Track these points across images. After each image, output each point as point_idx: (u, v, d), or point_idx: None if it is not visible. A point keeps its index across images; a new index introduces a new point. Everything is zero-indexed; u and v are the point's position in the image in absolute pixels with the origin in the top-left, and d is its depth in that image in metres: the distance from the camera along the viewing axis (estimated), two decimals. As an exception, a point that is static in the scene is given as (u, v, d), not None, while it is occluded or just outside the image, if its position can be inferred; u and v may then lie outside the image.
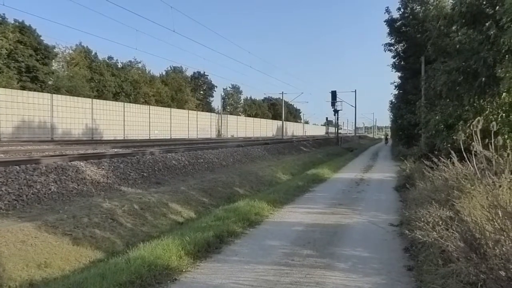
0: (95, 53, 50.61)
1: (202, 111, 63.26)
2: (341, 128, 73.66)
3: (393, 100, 36.08)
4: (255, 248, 5.99)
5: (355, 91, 55.29)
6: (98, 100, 38.27)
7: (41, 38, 40.14)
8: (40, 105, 30.51)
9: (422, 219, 4.81)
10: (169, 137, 44.58)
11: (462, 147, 5.20)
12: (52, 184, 9.48)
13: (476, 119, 4.55)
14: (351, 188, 12.85)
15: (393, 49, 27.13)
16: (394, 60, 27.95)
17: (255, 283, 4.52)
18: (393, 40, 26.72)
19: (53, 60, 43.67)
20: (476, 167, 4.56)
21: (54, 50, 43.61)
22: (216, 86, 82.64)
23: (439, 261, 4.26)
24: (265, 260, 5.36)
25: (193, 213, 10.05)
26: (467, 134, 7.30)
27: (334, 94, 46.74)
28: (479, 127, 4.48)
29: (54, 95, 32.84)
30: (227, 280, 4.62)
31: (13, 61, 36.20)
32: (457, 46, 11.30)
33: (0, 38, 34.33)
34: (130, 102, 46.05)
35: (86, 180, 10.47)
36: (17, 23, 37.86)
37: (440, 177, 6.75)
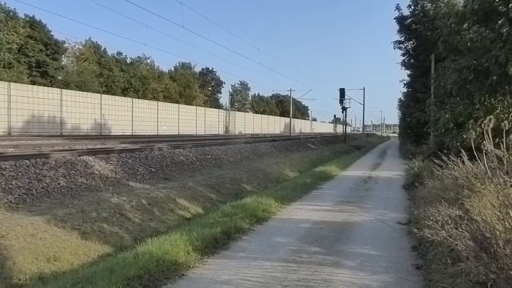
0: (104, 49, 50.86)
1: (210, 107, 63.18)
2: (349, 126, 73.42)
3: (402, 98, 35.83)
4: (263, 245, 5.99)
5: (364, 89, 55.13)
6: (107, 95, 38.40)
7: (51, 33, 40.40)
8: (50, 100, 30.69)
9: (431, 217, 4.77)
10: (177, 133, 44.65)
11: (472, 146, 5.15)
12: (61, 178, 9.56)
13: (488, 118, 4.50)
14: (359, 186, 12.80)
15: (403, 46, 26.87)
16: (403, 58, 27.71)
17: (262, 279, 4.53)
18: (403, 38, 26.46)
19: (63, 55, 43.92)
20: (487, 166, 4.52)
21: (64, 45, 43.79)
22: (224, 83, 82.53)
23: (447, 260, 4.23)
24: (273, 257, 5.36)
25: (200, 209, 10.09)
26: (477, 133, 7.22)
27: (342, 92, 46.65)
28: (491, 125, 4.43)
29: (63, 90, 33.01)
30: (235, 276, 4.63)
31: (23, 56, 36.46)
32: (468, 44, 11.17)
33: (11, 33, 34.55)
34: (138, 97, 46.17)
35: (95, 175, 10.54)
36: (27, 18, 38.11)
37: (449, 176, 6.69)
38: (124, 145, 17.56)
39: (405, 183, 12.93)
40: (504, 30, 8.63)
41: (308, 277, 4.62)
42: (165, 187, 10.83)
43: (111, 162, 11.83)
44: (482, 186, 4.65)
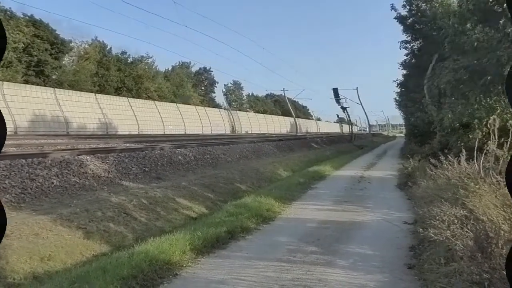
0: (110, 48, 50.48)
1: (208, 107, 62.73)
2: (355, 126, 73.03)
3: (397, 98, 35.73)
4: (263, 244, 5.96)
5: (357, 89, 53.85)
6: (110, 96, 38.45)
7: (56, 32, 40.22)
8: (45, 99, 30.48)
9: (437, 217, 4.73)
10: (184, 133, 44.51)
11: (476, 146, 5.12)
12: (53, 177, 9.39)
13: (492, 118, 4.47)
14: (353, 186, 12.77)
15: (409, 46, 26.54)
16: (406, 57, 27.45)
17: (255, 279, 4.49)
18: (409, 38, 26.06)
19: (66, 55, 43.67)
20: (481, 166, 4.47)
21: (70, 45, 43.58)
22: (218, 82, 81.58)
23: (441, 260, 4.18)
24: (268, 256, 5.32)
25: (204, 209, 10.02)
26: (483, 133, 7.17)
27: (336, 91, 46.14)
28: (496, 125, 4.39)
29: (56, 89, 32.76)
30: (229, 276, 4.60)
31: (26, 55, 36.19)
32: (475, 44, 11.06)
33: (16, 32, 34.26)
34: (132, 97, 45.80)
35: (88, 174, 10.37)
36: (28, 17, 37.81)
37: (442, 176, 6.63)
38: (128, 145, 17.35)
39: (399, 183, 12.85)
40: (509, 30, 8.54)
41: (302, 276, 4.58)
42: (159, 187, 10.66)
43: (107, 161, 11.68)
44: (476, 186, 4.60)
